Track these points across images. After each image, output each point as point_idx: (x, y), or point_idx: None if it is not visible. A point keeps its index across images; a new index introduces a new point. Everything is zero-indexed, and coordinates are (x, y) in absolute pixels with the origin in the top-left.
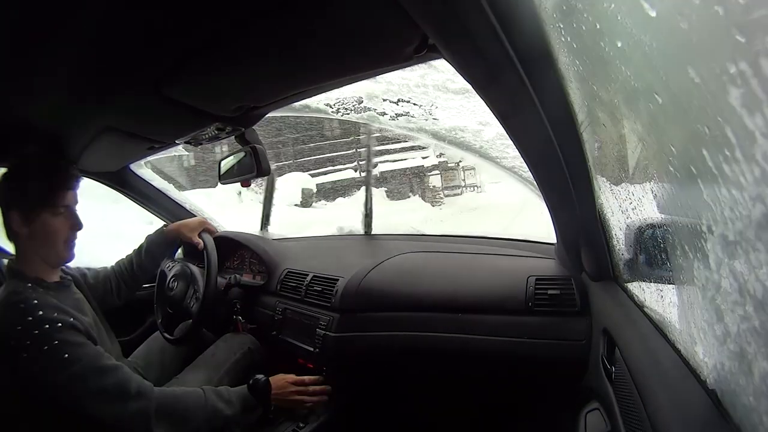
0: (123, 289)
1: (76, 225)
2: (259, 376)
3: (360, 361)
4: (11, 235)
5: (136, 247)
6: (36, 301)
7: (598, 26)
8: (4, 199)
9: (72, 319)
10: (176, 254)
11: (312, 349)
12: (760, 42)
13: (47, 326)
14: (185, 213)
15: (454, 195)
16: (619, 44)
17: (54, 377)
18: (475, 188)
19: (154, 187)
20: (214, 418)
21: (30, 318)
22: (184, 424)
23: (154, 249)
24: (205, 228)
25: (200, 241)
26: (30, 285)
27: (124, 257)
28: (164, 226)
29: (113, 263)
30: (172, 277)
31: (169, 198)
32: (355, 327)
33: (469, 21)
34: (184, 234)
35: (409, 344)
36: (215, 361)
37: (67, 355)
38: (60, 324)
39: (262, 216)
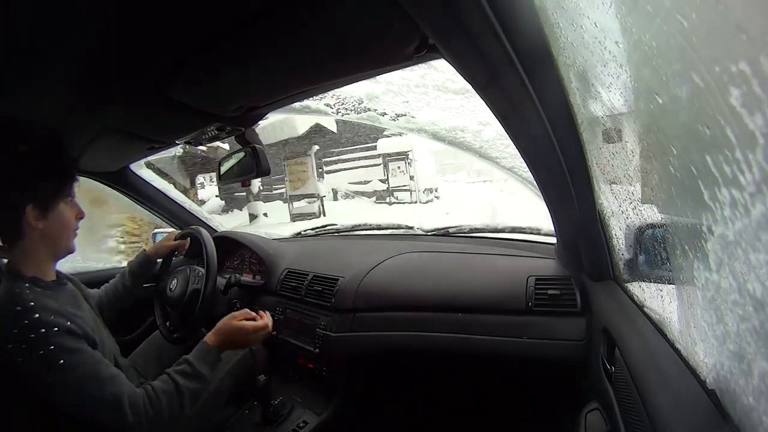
0: (105, 310)
1: (81, 213)
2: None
3: (360, 361)
4: (19, 234)
5: (120, 273)
6: (32, 303)
7: (598, 26)
8: (17, 195)
9: (69, 323)
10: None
11: (312, 349)
12: (761, 42)
13: (43, 330)
14: (185, 213)
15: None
16: (619, 44)
17: (50, 381)
18: (410, 193)
19: (154, 187)
20: (196, 399)
21: (26, 321)
22: (176, 420)
23: (137, 269)
24: (175, 236)
25: (177, 242)
26: (27, 285)
27: (109, 283)
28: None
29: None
30: (172, 277)
31: (169, 198)
32: (355, 327)
33: (469, 21)
34: (162, 246)
35: (409, 344)
36: None
37: (62, 362)
38: (56, 328)
39: None
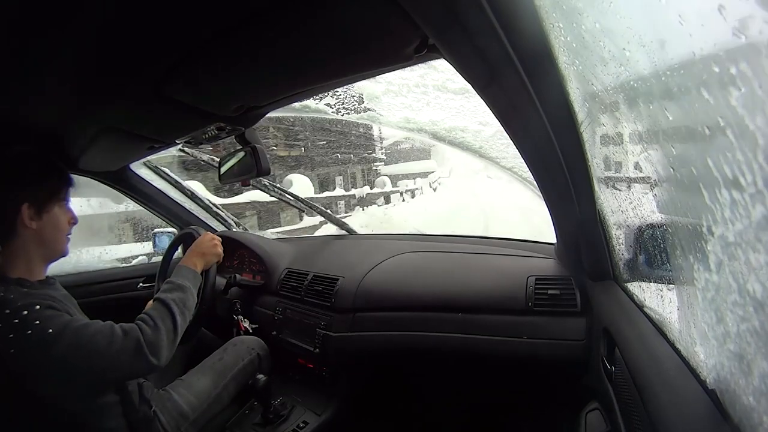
0: None
1: (74, 218)
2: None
3: (360, 360)
4: (11, 233)
5: None
6: (13, 296)
7: (598, 26)
8: (14, 194)
9: (51, 302)
10: (176, 253)
11: (312, 349)
12: (760, 42)
13: (26, 312)
14: (185, 213)
15: None
16: (620, 44)
17: (46, 355)
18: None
19: (154, 187)
20: (184, 306)
21: (8, 311)
22: (170, 332)
23: None
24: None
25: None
26: (12, 286)
27: None
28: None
29: None
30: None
31: (169, 198)
32: (355, 327)
33: (469, 21)
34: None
35: (409, 344)
36: (222, 366)
37: (51, 330)
38: (38, 306)
39: None
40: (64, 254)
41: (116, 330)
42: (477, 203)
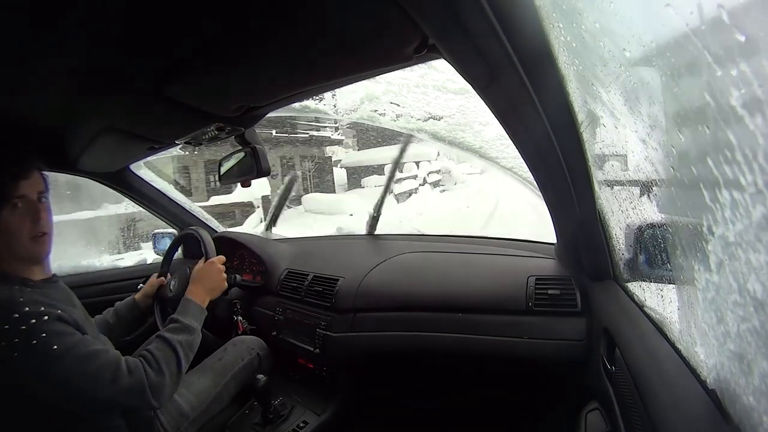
0: None
1: (37, 217)
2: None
3: (360, 361)
4: None
5: (106, 311)
6: (21, 299)
7: (598, 26)
8: None
9: (59, 311)
10: (176, 254)
11: (312, 349)
12: (761, 42)
13: (33, 321)
14: (185, 213)
15: None
16: (620, 44)
17: (47, 370)
18: None
19: (154, 187)
20: (190, 349)
21: (16, 315)
22: (178, 375)
23: (124, 312)
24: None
25: (159, 279)
26: (16, 286)
27: (96, 318)
28: (135, 293)
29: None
30: (171, 278)
31: (169, 198)
32: (355, 327)
33: (469, 21)
34: (148, 291)
35: (409, 344)
36: (222, 365)
37: (56, 347)
38: (46, 317)
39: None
40: (42, 255)
41: (122, 366)
42: None
